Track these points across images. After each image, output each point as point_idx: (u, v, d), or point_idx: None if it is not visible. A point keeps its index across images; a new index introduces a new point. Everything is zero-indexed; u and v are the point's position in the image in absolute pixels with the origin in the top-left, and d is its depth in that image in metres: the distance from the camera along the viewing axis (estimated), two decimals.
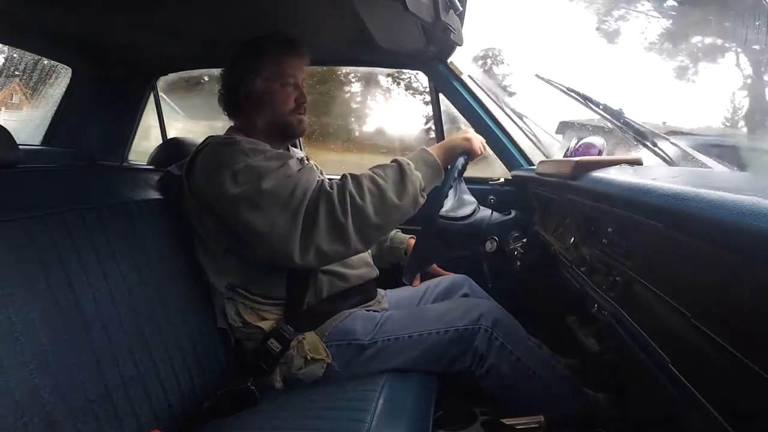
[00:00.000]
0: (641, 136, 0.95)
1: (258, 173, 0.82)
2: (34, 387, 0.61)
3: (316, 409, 0.80)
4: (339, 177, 0.86)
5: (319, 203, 0.79)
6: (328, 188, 0.81)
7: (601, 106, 1.01)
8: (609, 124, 1.02)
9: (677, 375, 0.45)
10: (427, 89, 1.41)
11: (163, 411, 0.78)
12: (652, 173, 0.57)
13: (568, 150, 1.07)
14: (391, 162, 0.87)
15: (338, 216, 0.79)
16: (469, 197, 1.05)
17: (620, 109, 0.98)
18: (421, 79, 2.54)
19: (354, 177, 0.83)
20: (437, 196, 0.93)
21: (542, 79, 1.12)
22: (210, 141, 0.93)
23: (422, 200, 0.86)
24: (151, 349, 0.79)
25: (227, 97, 1.01)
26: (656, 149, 0.92)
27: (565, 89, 1.06)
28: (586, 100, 1.03)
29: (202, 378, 0.87)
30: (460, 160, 0.95)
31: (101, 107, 1.41)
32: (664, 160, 0.90)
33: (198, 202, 0.89)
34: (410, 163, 0.86)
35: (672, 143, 0.91)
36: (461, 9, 0.88)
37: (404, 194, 0.83)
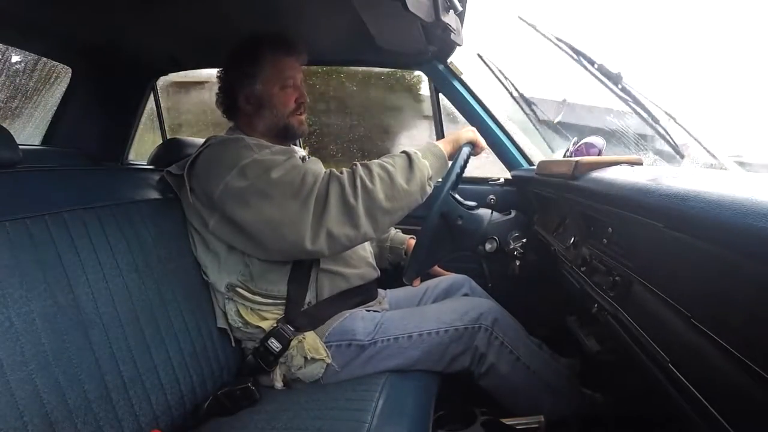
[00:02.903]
0: (642, 108, 0.84)
1: (266, 166, 0.83)
2: (34, 387, 0.61)
3: (316, 409, 0.80)
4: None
5: (330, 187, 0.81)
6: (338, 173, 0.83)
7: (596, 66, 0.87)
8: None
9: (677, 375, 0.45)
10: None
11: (163, 411, 0.78)
12: (652, 173, 0.57)
13: (568, 150, 1.07)
14: (400, 152, 0.89)
15: (349, 199, 0.80)
16: (468, 202, 1.06)
17: (619, 72, 0.86)
18: None
19: (363, 164, 0.85)
20: (441, 189, 0.94)
21: (527, 22, 1.00)
22: (213, 140, 0.93)
23: (429, 189, 0.88)
24: (151, 349, 0.79)
25: (226, 100, 1.01)
26: (659, 128, 0.83)
27: (554, 39, 0.94)
28: (577, 55, 0.89)
29: (202, 378, 0.87)
30: (466, 149, 0.97)
31: (101, 107, 1.41)
32: (670, 144, 0.83)
33: (201, 200, 0.88)
34: (417, 152, 0.89)
35: (677, 123, 0.82)
36: (461, 9, 0.88)
37: (412, 180, 0.84)
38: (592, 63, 0.89)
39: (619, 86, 0.86)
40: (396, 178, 0.83)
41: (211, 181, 0.85)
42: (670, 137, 0.83)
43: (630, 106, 0.85)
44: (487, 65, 1.26)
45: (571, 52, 0.91)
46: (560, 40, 0.93)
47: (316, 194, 0.80)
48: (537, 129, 1.31)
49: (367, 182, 0.81)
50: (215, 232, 0.89)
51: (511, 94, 1.29)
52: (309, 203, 0.79)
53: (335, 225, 0.80)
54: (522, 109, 1.30)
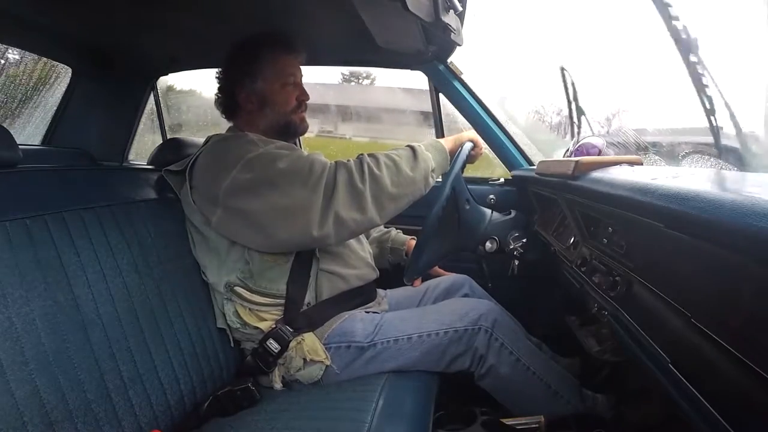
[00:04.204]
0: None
1: (272, 158, 0.84)
2: (34, 387, 0.61)
3: (316, 410, 0.80)
4: None
5: (338, 174, 0.83)
6: (345, 161, 0.85)
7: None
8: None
9: (677, 375, 0.45)
10: None
11: (163, 411, 0.78)
12: (652, 173, 0.57)
13: (568, 150, 1.07)
14: (404, 146, 0.92)
15: (357, 183, 0.82)
16: None
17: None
18: None
19: (370, 153, 0.88)
20: (451, 170, 0.95)
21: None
22: (215, 138, 0.94)
23: (432, 181, 0.90)
24: (150, 349, 0.79)
25: (226, 99, 1.01)
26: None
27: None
28: None
29: (202, 378, 0.87)
30: (468, 145, 0.98)
31: (101, 107, 1.41)
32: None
33: (203, 197, 0.88)
34: (421, 145, 0.92)
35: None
36: (461, 9, 0.88)
37: (417, 168, 0.88)
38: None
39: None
40: (402, 166, 0.86)
41: (217, 177, 0.85)
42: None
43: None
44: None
45: None
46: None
47: (325, 181, 0.82)
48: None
49: (374, 169, 0.84)
50: (218, 228, 0.88)
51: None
52: (318, 190, 0.81)
53: (343, 208, 0.81)
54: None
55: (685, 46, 0.68)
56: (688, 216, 0.39)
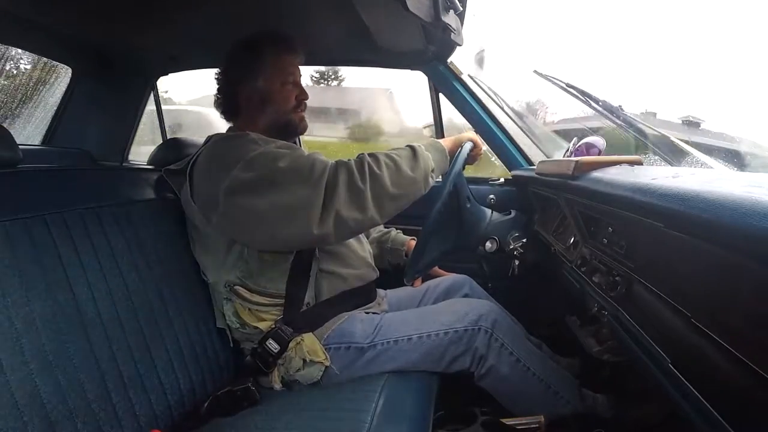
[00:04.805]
0: (641, 135, 0.96)
1: (273, 157, 0.84)
2: (34, 387, 0.61)
3: (316, 410, 0.80)
4: None
5: (339, 173, 0.82)
6: (346, 161, 0.85)
7: (600, 103, 1.01)
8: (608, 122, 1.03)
9: (677, 375, 0.45)
10: None
11: (163, 411, 0.78)
12: (652, 173, 0.57)
13: (568, 150, 1.08)
14: (404, 146, 0.92)
15: (357, 182, 0.81)
16: None
17: (620, 105, 0.99)
18: None
19: (371, 153, 0.87)
20: (452, 168, 0.96)
21: (541, 75, 1.12)
22: (216, 137, 0.94)
23: (432, 181, 0.90)
24: (150, 349, 0.79)
25: (226, 99, 1.01)
26: (656, 149, 0.92)
27: (564, 85, 1.06)
28: (585, 97, 1.03)
29: (201, 378, 0.87)
30: (468, 145, 0.98)
31: (101, 107, 1.41)
32: (664, 159, 0.90)
33: (203, 197, 0.88)
34: (421, 145, 0.91)
35: (673, 140, 0.91)
36: (461, 9, 0.88)
37: (417, 168, 0.87)
38: (597, 101, 1.01)
39: (621, 118, 0.98)
40: (402, 166, 0.86)
41: (217, 176, 0.85)
42: (667, 157, 0.91)
43: (631, 133, 0.98)
44: (478, 85, 1.33)
45: (579, 95, 1.04)
46: (570, 86, 1.06)
47: (326, 180, 0.81)
48: (530, 139, 1.36)
49: (375, 168, 0.84)
50: (218, 228, 0.88)
51: (502, 109, 1.35)
52: (319, 189, 0.80)
53: (344, 208, 0.80)
54: (515, 122, 1.36)
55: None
56: (688, 216, 0.39)
